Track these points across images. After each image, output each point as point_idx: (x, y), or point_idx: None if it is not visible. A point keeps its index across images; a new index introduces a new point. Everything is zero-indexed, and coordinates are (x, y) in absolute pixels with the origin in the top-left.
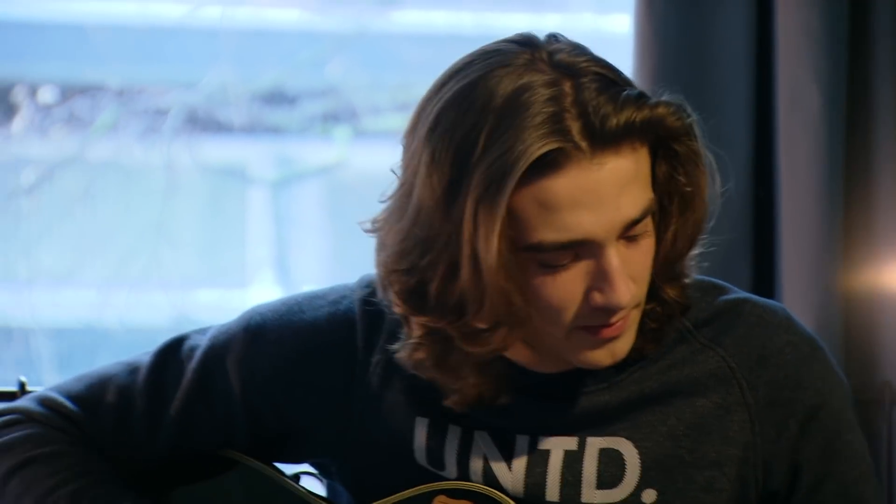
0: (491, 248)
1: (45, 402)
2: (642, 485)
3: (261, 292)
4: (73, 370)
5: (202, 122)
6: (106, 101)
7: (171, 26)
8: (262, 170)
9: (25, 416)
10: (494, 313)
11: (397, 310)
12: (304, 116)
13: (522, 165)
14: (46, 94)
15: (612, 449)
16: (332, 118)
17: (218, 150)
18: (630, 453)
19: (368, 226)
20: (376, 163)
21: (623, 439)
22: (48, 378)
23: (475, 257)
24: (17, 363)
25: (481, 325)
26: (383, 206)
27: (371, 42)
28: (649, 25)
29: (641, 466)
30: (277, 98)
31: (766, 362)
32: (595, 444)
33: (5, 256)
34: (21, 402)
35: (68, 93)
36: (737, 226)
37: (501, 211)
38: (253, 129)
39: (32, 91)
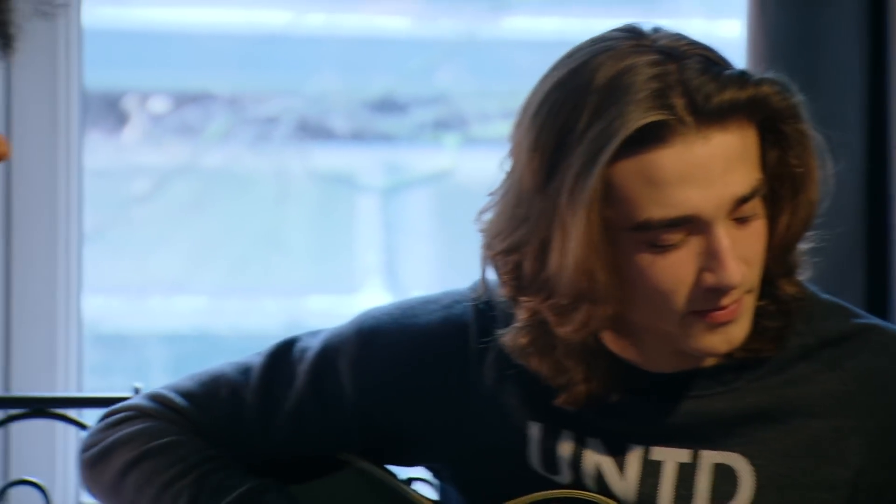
0: (582, 223)
1: (156, 398)
2: None
3: (370, 299)
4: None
5: (312, 130)
6: (217, 109)
7: (281, 34)
8: (372, 177)
9: (139, 412)
10: (576, 289)
11: (502, 293)
12: (414, 123)
13: (623, 135)
14: (158, 103)
15: (726, 465)
16: (441, 125)
17: (328, 158)
18: (744, 470)
19: (478, 218)
20: (485, 169)
21: (738, 455)
22: (143, 386)
23: (565, 232)
24: (130, 370)
25: (564, 302)
26: (490, 198)
27: (480, 49)
28: (761, 30)
29: (755, 485)
30: (387, 105)
31: (886, 389)
32: (709, 457)
33: (119, 265)
34: (133, 400)
35: (180, 101)
36: (848, 220)
37: (597, 184)
38: (363, 137)
39: (144, 100)
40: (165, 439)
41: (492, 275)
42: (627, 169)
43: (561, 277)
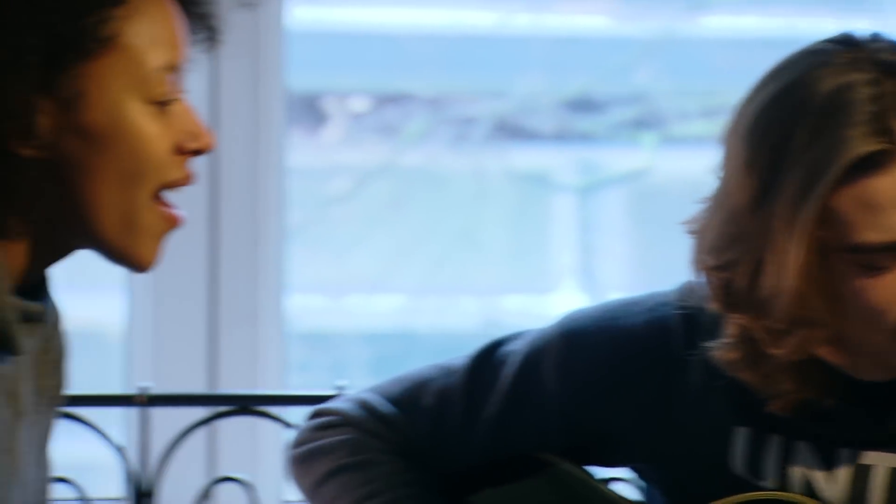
0: (798, 246)
1: (362, 404)
2: None
3: (566, 299)
4: (384, 375)
5: (510, 130)
6: (416, 109)
7: (482, 34)
8: (568, 176)
9: (344, 420)
10: (791, 314)
11: (712, 307)
12: (611, 123)
13: (842, 165)
14: (357, 103)
15: None
16: (638, 124)
17: (525, 157)
18: None
19: (688, 226)
20: (683, 169)
21: None
22: (361, 383)
23: (780, 255)
24: (330, 368)
25: (779, 326)
26: (701, 206)
27: (679, 47)
28: None
29: None
30: (585, 105)
31: None
32: None
33: (319, 264)
34: (340, 404)
35: (379, 101)
36: None
37: (815, 209)
38: (560, 136)
39: (343, 100)
40: (364, 456)
41: (698, 281)
42: (844, 194)
43: (775, 300)
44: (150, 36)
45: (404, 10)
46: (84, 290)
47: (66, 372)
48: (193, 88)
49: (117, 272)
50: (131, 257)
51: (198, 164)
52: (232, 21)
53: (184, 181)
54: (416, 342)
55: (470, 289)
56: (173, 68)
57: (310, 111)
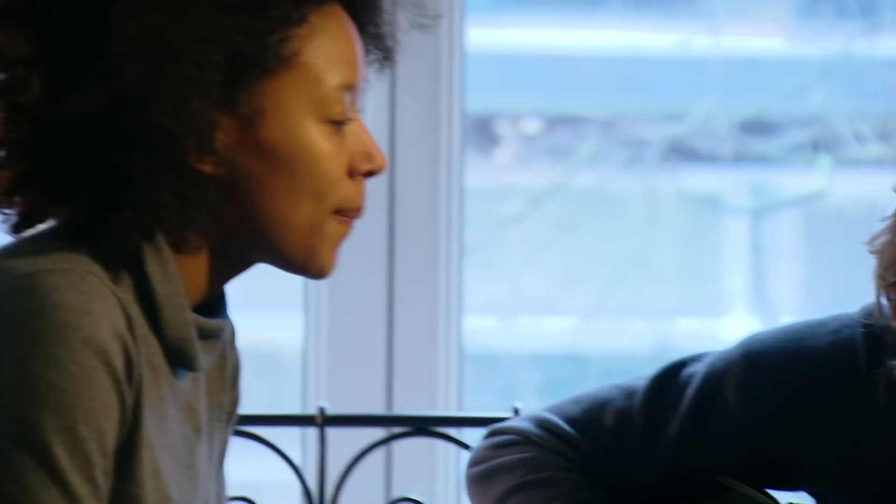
0: None
1: (541, 423)
2: None
3: (738, 322)
4: (555, 398)
5: (683, 152)
6: (589, 131)
7: (656, 57)
8: (742, 198)
9: (524, 438)
10: None
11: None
12: (786, 145)
13: None
14: (530, 125)
15: None
16: (814, 147)
17: (697, 179)
18: None
19: (869, 245)
20: (859, 192)
21: None
22: (532, 405)
23: None
24: (501, 390)
25: None
26: (882, 225)
27: (855, 69)
28: None
29: None
30: (759, 127)
31: None
32: None
33: (490, 285)
34: (518, 423)
35: (551, 123)
36: None
37: None
38: (733, 158)
39: (516, 122)
40: (545, 473)
41: (882, 301)
42: None
43: None
44: (328, 55)
45: (577, 31)
46: (261, 309)
47: (239, 388)
48: (371, 109)
49: (294, 292)
50: (311, 267)
51: (375, 185)
52: (409, 42)
53: (358, 203)
54: (586, 365)
55: (641, 311)
56: (350, 88)
57: (482, 133)
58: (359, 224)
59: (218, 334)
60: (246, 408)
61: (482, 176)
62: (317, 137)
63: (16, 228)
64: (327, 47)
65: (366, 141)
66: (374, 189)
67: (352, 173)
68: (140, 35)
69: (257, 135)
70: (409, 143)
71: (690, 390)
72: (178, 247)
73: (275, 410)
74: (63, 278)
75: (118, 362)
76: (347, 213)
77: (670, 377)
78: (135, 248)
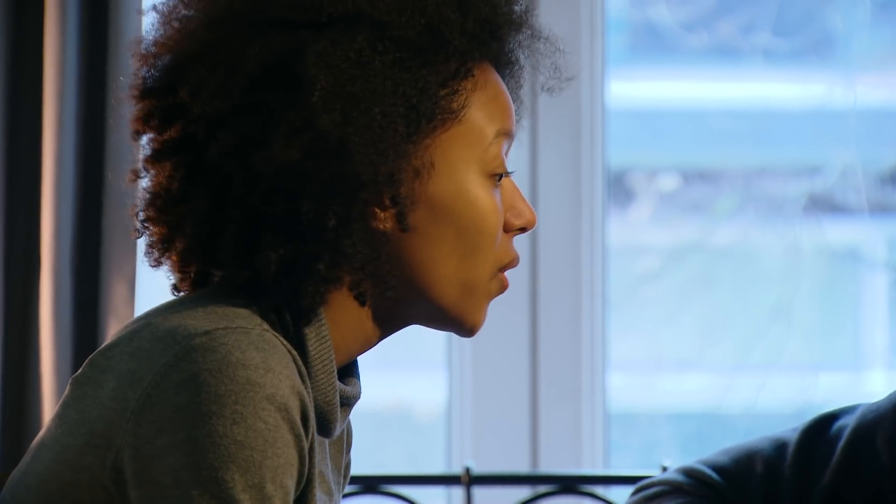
0: None
1: (690, 473)
2: None
3: (879, 376)
4: (696, 456)
5: (823, 205)
6: (726, 185)
7: (792, 109)
8: (881, 252)
9: (673, 487)
10: None
11: None
12: None
13: None
14: (667, 180)
15: None
16: None
17: (838, 233)
18: None
19: None
20: None
21: None
22: (671, 464)
23: None
24: (641, 448)
25: None
26: None
27: None
28: None
29: None
30: None
31: None
32: None
33: (627, 342)
34: (668, 475)
35: (688, 178)
36: None
37: None
38: (874, 211)
39: (651, 177)
40: None
41: None
42: None
43: None
44: (489, 108)
45: (713, 84)
46: (403, 368)
47: (350, 451)
48: (513, 165)
49: (437, 350)
50: (465, 323)
51: (517, 241)
52: (551, 97)
53: (516, 259)
54: (726, 423)
55: (782, 367)
56: (507, 138)
57: (617, 188)
58: None
59: (353, 402)
60: (390, 467)
61: (618, 232)
62: (481, 191)
63: (178, 287)
64: (487, 100)
65: (518, 197)
66: (516, 245)
67: (506, 229)
68: (332, 85)
69: (427, 189)
70: (551, 199)
71: (841, 442)
72: (361, 299)
73: (418, 470)
74: (243, 336)
75: (297, 418)
76: (506, 268)
77: (821, 429)
78: (321, 302)
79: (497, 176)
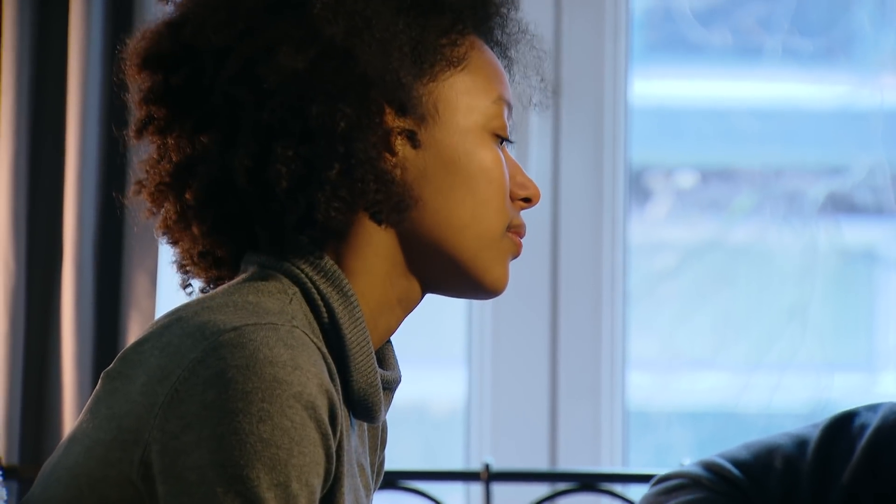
0: None
1: (710, 467)
2: None
3: (894, 378)
4: (709, 454)
5: (840, 205)
6: (743, 184)
7: (812, 109)
8: (894, 252)
9: (691, 481)
10: None
11: None
12: None
13: None
14: (685, 179)
15: None
16: None
17: (855, 233)
18: None
19: None
20: None
21: None
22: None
23: None
24: (656, 447)
25: None
26: None
27: None
28: None
29: None
30: None
31: None
32: None
33: (643, 341)
34: (688, 468)
35: (706, 176)
36: None
37: None
38: (890, 211)
39: (669, 175)
40: None
41: None
42: None
43: None
44: (487, 71)
45: (734, 83)
46: (423, 364)
47: (385, 449)
48: (535, 162)
49: (457, 347)
50: (485, 280)
51: (538, 238)
52: (574, 95)
53: (522, 227)
54: (742, 422)
55: (797, 367)
56: (506, 105)
57: (635, 186)
58: (522, 277)
59: (394, 386)
60: (409, 463)
61: (636, 230)
62: (485, 145)
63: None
64: (485, 64)
65: (521, 171)
66: (537, 242)
67: (511, 197)
68: (335, 1)
69: (434, 135)
70: (573, 197)
71: (863, 441)
72: (381, 225)
73: (437, 466)
74: (272, 332)
75: (325, 416)
76: (515, 231)
77: (842, 426)
78: (338, 225)
79: (500, 139)
